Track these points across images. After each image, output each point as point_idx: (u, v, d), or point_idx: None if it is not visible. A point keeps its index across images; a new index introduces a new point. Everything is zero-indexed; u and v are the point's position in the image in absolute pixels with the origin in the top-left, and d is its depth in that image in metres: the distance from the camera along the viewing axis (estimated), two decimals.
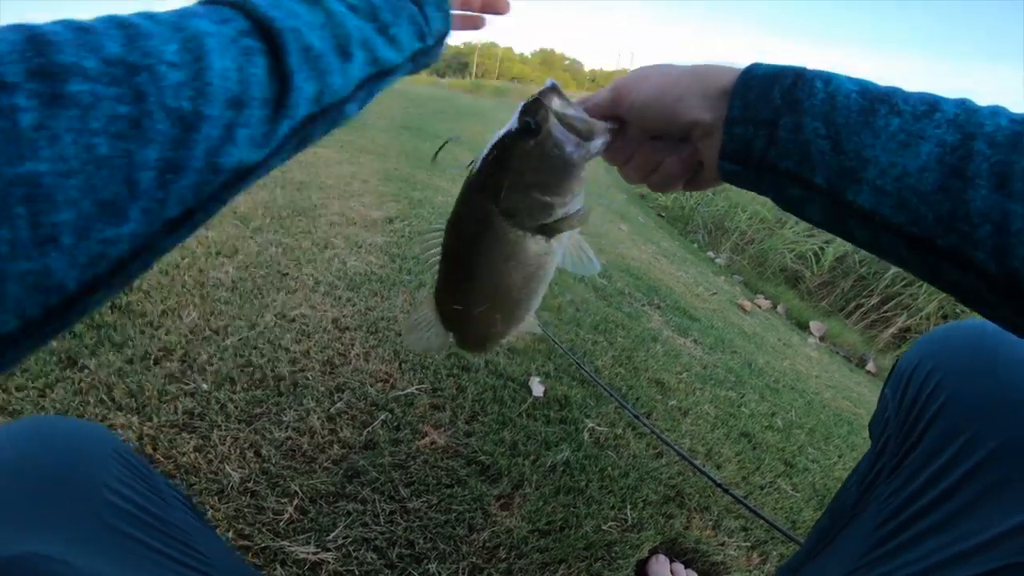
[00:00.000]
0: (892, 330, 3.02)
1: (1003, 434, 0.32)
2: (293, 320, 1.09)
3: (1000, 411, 0.33)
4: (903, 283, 3.13)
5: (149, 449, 0.71)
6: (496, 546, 0.67)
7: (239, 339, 0.99)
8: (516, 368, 1.09)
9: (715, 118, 0.31)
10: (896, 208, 0.25)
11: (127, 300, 1.05)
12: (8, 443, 0.28)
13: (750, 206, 3.49)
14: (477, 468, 0.79)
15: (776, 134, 0.28)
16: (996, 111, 0.25)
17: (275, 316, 1.09)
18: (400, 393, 0.92)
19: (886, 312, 3.14)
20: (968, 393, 0.35)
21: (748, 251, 3.37)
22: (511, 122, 0.35)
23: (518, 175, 0.35)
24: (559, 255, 0.41)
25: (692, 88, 0.31)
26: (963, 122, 0.25)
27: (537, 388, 1.06)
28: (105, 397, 0.78)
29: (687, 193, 3.90)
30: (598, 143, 0.35)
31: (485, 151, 0.37)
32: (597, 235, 2.40)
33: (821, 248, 3.28)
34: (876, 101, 0.26)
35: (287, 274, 1.26)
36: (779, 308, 2.95)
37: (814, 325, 2.84)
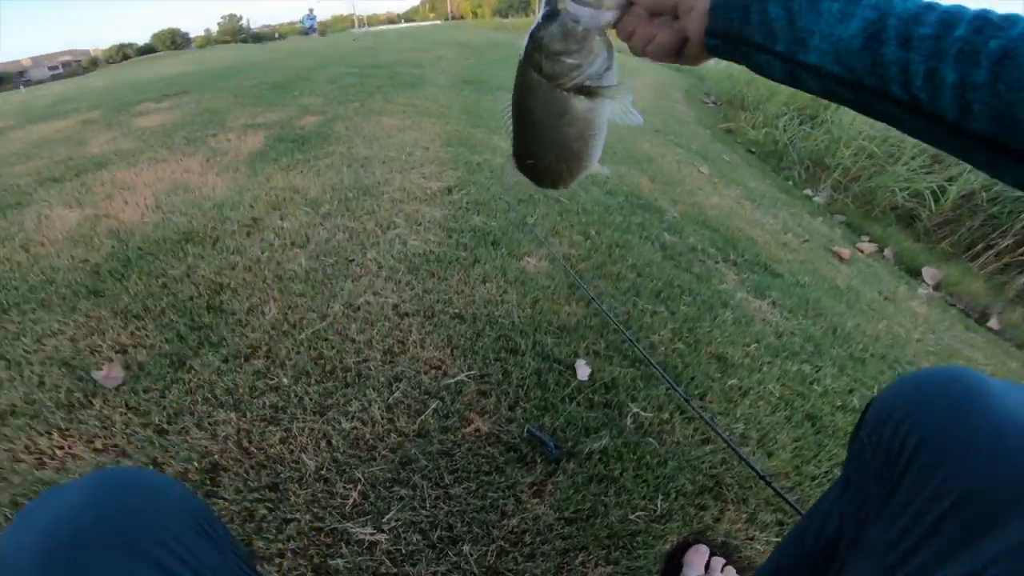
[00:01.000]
0: (1022, 284, 2.65)
1: (970, 479, 0.36)
2: (358, 308, 1.22)
3: (967, 456, 0.38)
4: None
5: (245, 443, 0.87)
6: (523, 531, 0.76)
7: (312, 332, 1.14)
8: (564, 349, 1.15)
9: (694, 3, 0.43)
10: (836, 63, 0.38)
11: (220, 299, 1.24)
12: (76, 497, 0.34)
13: (855, 141, 3.12)
14: (515, 456, 0.88)
15: (748, 16, 0.40)
16: None
17: (343, 306, 1.23)
18: (451, 381, 1.03)
19: (1021, 256, 2.74)
20: (939, 438, 0.40)
21: (852, 189, 3.06)
22: (540, 10, 0.48)
23: (550, 47, 0.47)
24: (606, 113, 0.52)
25: None
26: (882, 5, 0.36)
27: (583, 370, 1.11)
28: (209, 395, 0.96)
29: (780, 127, 3.58)
30: (608, 15, 0.47)
31: (527, 37, 0.49)
32: (670, 182, 2.31)
33: (942, 187, 2.89)
34: None
35: (353, 260, 1.39)
36: (887, 252, 2.71)
37: (927, 272, 2.59)
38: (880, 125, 3.22)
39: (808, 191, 3.14)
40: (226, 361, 1.04)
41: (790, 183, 3.22)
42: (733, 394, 1.16)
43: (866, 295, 1.98)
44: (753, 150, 3.64)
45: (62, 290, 1.29)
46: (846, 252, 2.32)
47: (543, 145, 0.55)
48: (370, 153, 2.11)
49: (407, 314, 1.21)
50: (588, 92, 0.51)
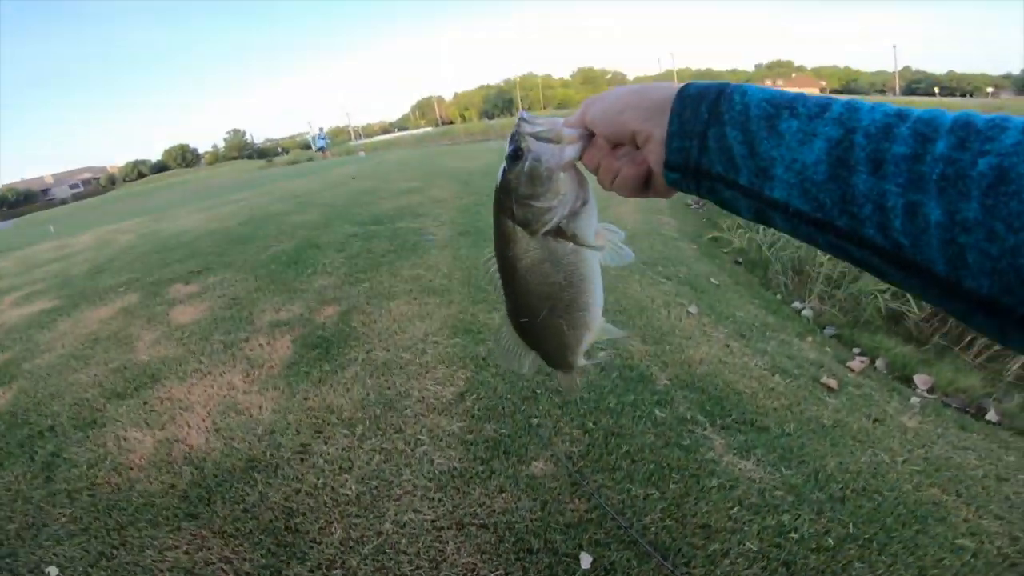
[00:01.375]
0: (1017, 365, 2.89)
1: None
2: (404, 526, 1.59)
3: None
4: None
5: None
6: None
7: (373, 546, 1.52)
8: (569, 543, 1.50)
9: (651, 127, 0.41)
10: (802, 198, 0.34)
11: (294, 522, 1.65)
12: None
13: None
14: None
15: (706, 143, 0.37)
16: (876, 107, 0.33)
17: (392, 524, 1.60)
18: None
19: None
20: None
21: (837, 296, 3.45)
22: (505, 155, 0.51)
23: (517, 191, 0.50)
24: (594, 255, 0.54)
25: (632, 103, 0.43)
26: (846, 119, 0.33)
27: (585, 560, 1.45)
28: None
29: (764, 234, 4.06)
30: (571, 150, 0.49)
31: (497, 183, 0.52)
32: (660, 339, 2.63)
33: None
34: (780, 107, 0.35)
35: (392, 482, 1.79)
36: (879, 362, 2.93)
37: (919, 378, 2.80)
38: None
39: (796, 303, 3.47)
40: (312, 572, 1.44)
41: (778, 296, 3.54)
42: (715, 556, 1.45)
43: (853, 425, 2.20)
44: (740, 260, 4.09)
45: (164, 512, 1.71)
46: (834, 382, 2.54)
47: (533, 298, 0.56)
48: (388, 357, 2.48)
49: (443, 528, 1.59)
50: (568, 235, 0.52)
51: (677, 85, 0.41)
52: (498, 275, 0.57)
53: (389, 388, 2.27)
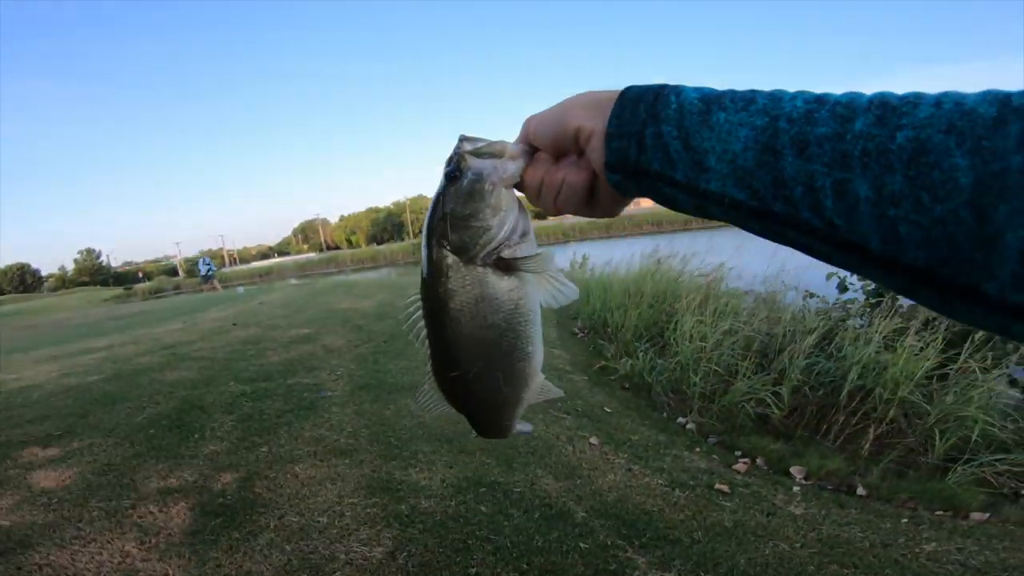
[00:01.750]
0: (868, 441, 3.47)
1: None
2: None
3: None
4: (860, 396, 3.68)
5: None
6: None
7: None
8: None
9: (594, 123, 0.41)
10: (736, 187, 0.35)
11: None
12: None
13: (700, 366, 4.11)
14: None
15: (644, 142, 0.38)
16: (798, 95, 0.35)
17: None
18: None
19: (857, 426, 3.66)
20: None
21: (713, 408, 3.92)
22: (440, 178, 0.48)
23: (455, 211, 0.47)
24: (535, 293, 0.51)
25: (576, 102, 0.44)
26: (770, 108, 0.34)
27: None
28: None
29: (639, 357, 4.55)
30: (513, 164, 0.47)
31: (428, 211, 0.49)
32: (571, 474, 2.85)
33: (775, 392, 3.86)
34: (711, 103, 0.37)
35: None
36: (759, 461, 3.36)
37: (795, 469, 3.23)
38: (712, 343, 4.31)
39: (681, 419, 3.91)
40: None
41: (664, 415, 3.97)
42: None
43: (751, 522, 2.47)
44: (626, 385, 4.51)
45: None
46: (726, 487, 2.85)
47: (466, 345, 0.50)
48: (303, 521, 2.38)
49: None
50: (509, 266, 0.48)
51: (618, 89, 0.42)
52: (422, 321, 0.52)
53: (312, 553, 2.20)
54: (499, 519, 2.41)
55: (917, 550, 2.26)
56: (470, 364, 0.51)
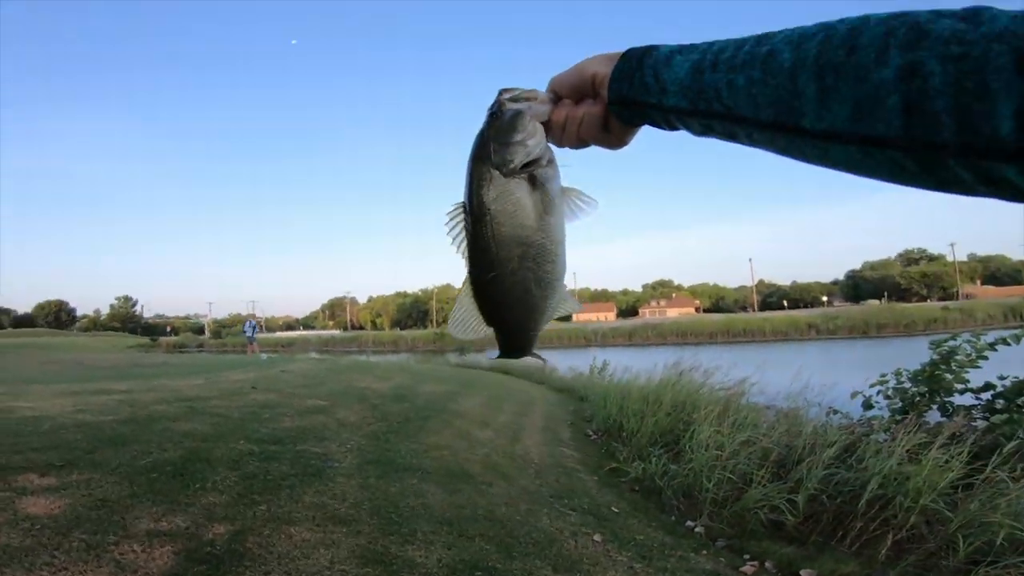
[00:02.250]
0: (886, 546, 3.25)
1: None
2: None
3: None
4: (880, 504, 3.50)
5: None
6: None
7: None
8: None
9: (607, 69, 0.57)
10: (683, 98, 0.51)
11: None
12: None
13: (714, 473, 3.99)
14: None
15: (633, 82, 0.55)
16: (734, 40, 0.50)
17: None
18: None
19: (875, 532, 3.44)
20: None
21: (724, 514, 3.76)
22: (485, 118, 0.61)
23: (497, 137, 0.59)
24: (559, 206, 0.62)
25: (592, 58, 0.60)
26: (704, 49, 0.51)
27: None
28: None
29: (652, 462, 4.43)
30: (543, 106, 0.60)
31: (474, 142, 0.61)
32: (571, 563, 2.77)
33: (790, 498, 3.70)
34: (674, 52, 0.53)
35: None
36: (767, 564, 3.19)
37: (805, 573, 3.09)
38: (729, 452, 4.19)
39: (690, 522, 3.74)
40: None
41: (673, 518, 3.81)
42: None
43: None
44: (636, 488, 4.37)
45: None
46: None
47: (504, 245, 0.60)
48: None
49: None
50: (537, 181, 0.60)
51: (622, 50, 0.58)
52: (464, 229, 0.62)
53: None
54: None
55: None
56: (507, 264, 0.60)
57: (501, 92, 0.62)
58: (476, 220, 0.60)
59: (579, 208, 0.65)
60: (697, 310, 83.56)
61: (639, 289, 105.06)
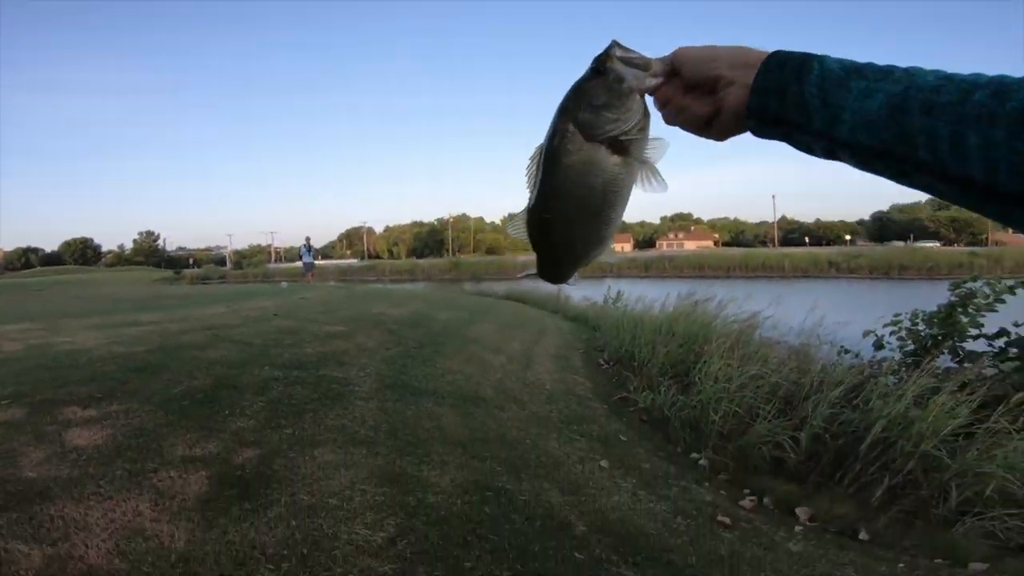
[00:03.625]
0: (882, 489, 3.35)
1: None
2: None
3: None
4: (881, 447, 3.59)
5: None
6: None
7: None
8: None
9: (737, 76, 0.52)
10: (866, 134, 0.45)
11: None
12: None
13: (721, 405, 4.09)
14: None
15: (785, 98, 0.49)
16: (930, 72, 0.45)
17: None
18: None
19: (873, 475, 3.55)
20: None
21: (729, 448, 3.88)
22: (587, 69, 0.57)
23: (592, 100, 0.56)
24: (633, 176, 0.59)
25: (724, 55, 0.54)
26: (904, 80, 0.45)
27: None
28: None
29: (662, 392, 4.54)
30: (652, 81, 0.56)
31: (568, 92, 0.58)
32: (576, 490, 2.92)
33: (794, 436, 3.80)
34: (850, 71, 0.48)
35: None
36: (766, 500, 3.35)
37: (801, 510, 3.23)
38: (737, 384, 4.27)
39: (695, 454, 3.88)
40: None
41: (679, 449, 3.96)
42: None
43: (747, 554, 2.50)
44: (645, 418, 4.51)
45: None
46: (728, 519, 2.88)
47: (563, 198, 0.60)
48: (313, 501, 2.50)
49: None
50: (620, 148, 0.57)
51: (766, 51, 0.52)
52: (536, 171, 0.61)
53: (315, 530, 2.30)
54: (501, 522, 2.48)
55: None
56: (563, 213, 0.61)
57: (613, 46, 0.57)
58: (546, 167, 0.60)
59: (647, 184, 0.62)
60: (716, 244, 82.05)
61: (657, 221, 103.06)
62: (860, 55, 0.49)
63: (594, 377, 5.78)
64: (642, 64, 0.56)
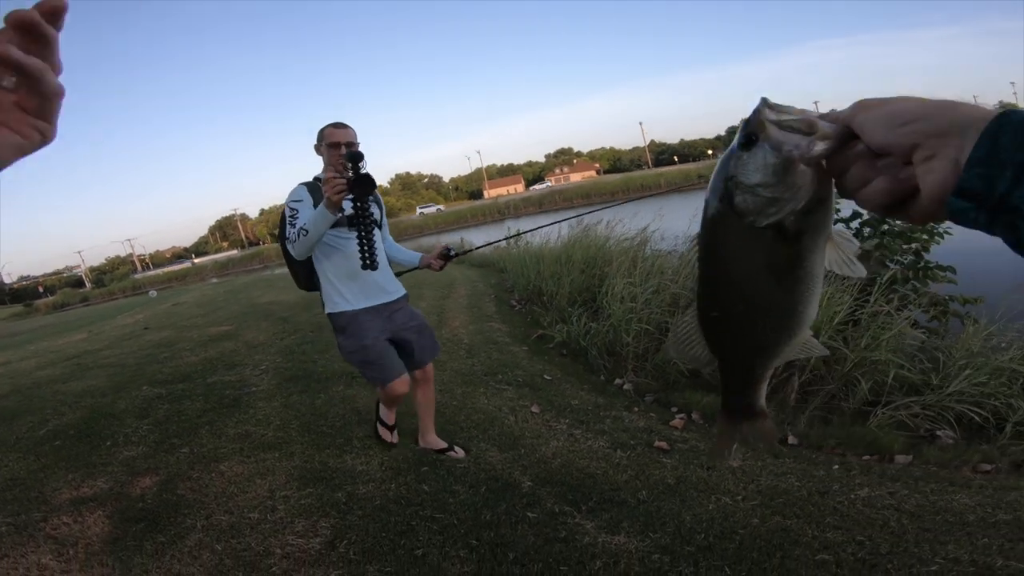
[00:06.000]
0: (794, 389, 3.53)
1: None
2: None
3: None
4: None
5: None
6: None
7: None
8: None
9: (942, 146, 0.37)
10: None
11: None
12: None
13: (632, 326, 4.17)
14: None
15: (1022, 176, 0.33)
16: None
17: None
18: None
19: (783, 375, 3.76)
20: None
21: (647, 368, 3.99)
22: (736, 138, 0.48)
23: (744, 180, 0.46)
24: (818, 260, 0.49)
25: (923, 114, 0.38)
26: None
27: None
28: None
29: (574, 322, 4.56)
30: (821, 146, 0.43)
31: (717, 166, 0.49)
32: (514, 444, 2.79)
33: None
34: None
35: None
36: (694, 415, 3.38)
37: None
38: (642, 302, 4.38)
39: (618, 380, 3.91)
40: None
41: (602, 378, 3.99)
42: None
43: (692, 478, 2.48)
44: (564, 352, 4.51)
45: None
46: (665, 444, 2.87)
47: (731, 294, 0.51)
48: (233, 519, 2.23)
49: None
50: (789, 233, 0.46)
51: (986, 108, 0.37)
52: (698, 261, 0.54)
53: (245, 550, 2.05)
54: (444, 497, 2.33)
55: (852, 496, 2.29)
56: (733, 307, 0.52)
57: (763, 106, 0.47)
58: (704, 257, 0.52)
59: (844, 266, 0.51)
60: (598, 172, 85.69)
61: (542, 160, 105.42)
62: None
63: (509, 319, 5.71)
64: (804, 127, 0.44)
